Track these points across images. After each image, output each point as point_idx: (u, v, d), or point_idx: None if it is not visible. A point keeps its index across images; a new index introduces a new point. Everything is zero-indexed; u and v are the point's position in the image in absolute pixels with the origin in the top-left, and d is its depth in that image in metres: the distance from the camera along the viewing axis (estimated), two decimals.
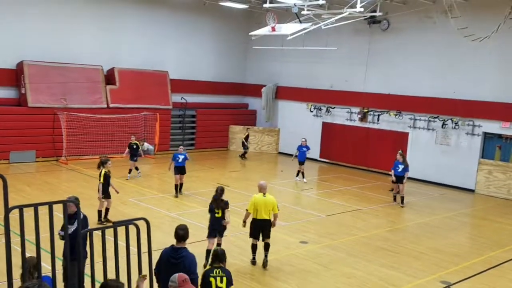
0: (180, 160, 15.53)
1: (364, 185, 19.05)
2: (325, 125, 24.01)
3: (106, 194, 12.16)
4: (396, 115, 21.14)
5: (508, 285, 9.74)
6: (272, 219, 9.75)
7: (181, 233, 6.00)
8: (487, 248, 12.03)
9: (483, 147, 18.98)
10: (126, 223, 4.91)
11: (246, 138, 24.06)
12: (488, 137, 18.91)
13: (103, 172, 12.08)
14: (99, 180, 12.06)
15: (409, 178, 20.68)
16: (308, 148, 19.10)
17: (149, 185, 17.01)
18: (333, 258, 10.64)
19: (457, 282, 9.67)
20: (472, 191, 18.92)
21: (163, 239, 11.03)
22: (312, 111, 24.34)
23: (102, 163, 12.25)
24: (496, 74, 18.30)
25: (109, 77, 22.08)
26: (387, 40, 21.47)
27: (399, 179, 15.83)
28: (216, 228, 9.65)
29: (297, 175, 19.05)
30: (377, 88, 21.85)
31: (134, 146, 18.00)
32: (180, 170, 15.51)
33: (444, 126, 19.66)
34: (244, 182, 18.35)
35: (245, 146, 23.80)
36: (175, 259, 5.81)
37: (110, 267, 5.01)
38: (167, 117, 23.53)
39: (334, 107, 23.50)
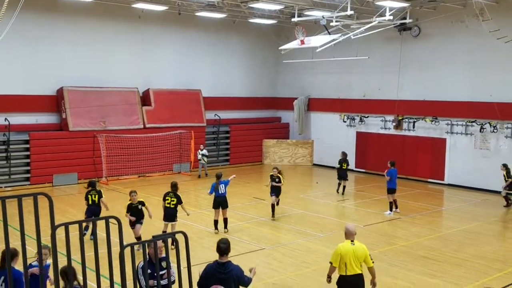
0: (221, 191, 12.97)
1: (402, 194, 18.68)
2: (359, 135, 23.82)
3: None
4: (432, 121, 20.78)
5: None
6: (368, 274, 7.45)
7: (224, 247, 6.03)
8: None
9: None
10: (166, 236, 5.08)
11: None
12: None
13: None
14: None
15: (450, 185, 20.33)
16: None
17: (186, 202, 17.26)
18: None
19: None
20: None
21: (203, 254, 11.23)
22: (345, 121, 24.22)
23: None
24: None
25: (145, 98, 22.71)
26: (418, 46, 21.23)
27: None
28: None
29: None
30: (411, 95, 21.57)
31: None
32: (220, 203, 12.99)
33: (482, 130, 19.18)
34: (280, 195, 18.35)
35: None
36: (224, 274, 5.88)
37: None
38: (202, 134, 23.91)
39: (368, 116, 23.31)
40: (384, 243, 12.44)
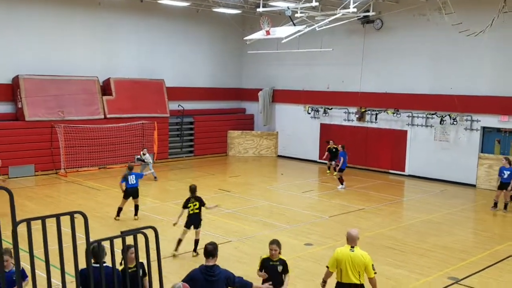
0: (131, 182, 13.18)
1: (365, 185, 19.02)
2: (323, 127, 24.01)
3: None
4: (394, 113, 21.16)
5: None
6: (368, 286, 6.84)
7: (211, 248, 5.78)
8: (493, 242, 12.01)
9: (482, 142, 19.00)
10: (135, 232, 4.87)
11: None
12: (487, 132, 18.94)
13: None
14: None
15: (411, 176, 20.81)
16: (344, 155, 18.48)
17: (150, 194, 16.94)
18: None
19: (465, 278, 9.64)
20: (473, 186, 18.92)
21: (168, 247, 11.00)
22: (309, 113, 24.34)
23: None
24: (492, 68, 18.35)
25: (105, 88, 22.03)
26: (381, 39, 21.51)
27: (505, 185, 14.83)
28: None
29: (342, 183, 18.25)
30: (373, 87, 21.87)
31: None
32: (131, 193, 13.25)
33: (442, 122, 19.68)
34: (245, 186, 18.31)
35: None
36: (213, 277, 5.63)
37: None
38: (165, 125, 23.48)
39: (332, 108, 23.50)
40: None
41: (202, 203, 10.70)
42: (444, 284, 9.32)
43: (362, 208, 15.32)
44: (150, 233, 4.96)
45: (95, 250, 5.27)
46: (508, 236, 12.59)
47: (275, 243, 6.89)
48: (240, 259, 10.52)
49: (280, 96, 25.72)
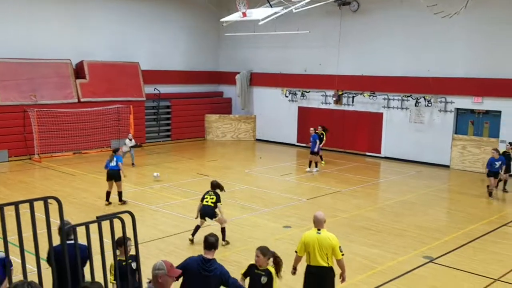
0: (112, 164, 13.18)
1: (342, 167, 19.21)
2: (301, 110, 24.06)
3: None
4: (370, 96, 21.32)
5: (489, 257, 9.98)
6: (338, 268, 6.74)
7: (212, 240, 5.53)
8: (467, 222, 12.31)
9: (456, 123, 19.35)
10: (111, 217, 4.79)
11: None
12: (460, 113, 19.28)
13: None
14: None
15: (386, 158, 21.08)
16: (317, 138, 18.16)
17: (128, 179, 16.74)
18: None
19: (439, 257, 9.87)
20: (447, 167, 19.31)
21: (147, 233, 10.94)
22: (287, 96, 24.33)
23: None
24: (466, 50, 18.59)
25: (79, 71, 21.55)
26: (357, 21, 21.54)
27: (496, 173, 14.80)
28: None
29: (310, 165, 18.24)
30: (350, 70, 21.95)
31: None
32: (112, 175, 13.13)
33: (417, 104, 19.93)
34: (223, 170, 18.27)
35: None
36: (207, 272, 5.38)
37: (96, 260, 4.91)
38: (141, 109, 23.15)
39: (309, 91, 23.53)
40: (326, 216, 12.60)
41: (218, 201, 10.41)
42: (419, 263, 9.53)
43: (339, 190, 15.48)
44: (127, 219, 4.89)
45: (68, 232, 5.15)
46: (481, 215, 12.92)
47: (259, 248, 6.12)
48: (220, 244, 10.51)
49: (258, 79, 25.60)
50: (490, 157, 14.97)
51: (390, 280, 8.71)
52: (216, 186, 10.69)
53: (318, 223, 6.75)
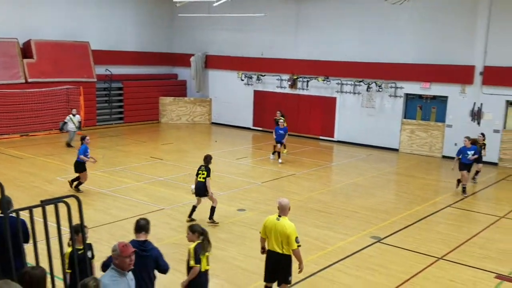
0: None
1: (297, 151, 19.45)
2: (256, 93, 24.09)
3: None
4: (324, 80, 21.60)
5: (433, 236, 10.45)
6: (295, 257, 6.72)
7: (143, 223, 5.62)
8: (413, 203, 12.81)
9: (405, 108, 19.96)
10: (55, 201, 4.66)
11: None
12: (409, 98, 19.89)
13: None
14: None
15: (339, 142, 21.52)
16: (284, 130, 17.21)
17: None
18: None
19: (386, 237, 10.25)
20: (396, 150, 19.95)
21: (96, 217, 10.73)
22: (243, 80, 24.27)
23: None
24: (415, 37, 19.11)
25: (26, 50, 20.60)
26: (313, 6, 21.65)
27: (469, 166, 13.53)
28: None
29: (278, 156, 17.20)
30: (305, 55, 22.11)
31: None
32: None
33: (368, 89, 20.39)
34: (178, 154, 18.11)
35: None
36: (145, 251, 5.49)
37: (41, 249, 4.77)
38: (92, 90, 22.49)
39: (265, 75, 23.57)
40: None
41: (208, 175, 10.47)
42: (367, 243, 9.86)
43: (293, 173, 15.69)
44: (73, 203, 4.77)
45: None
46: (426, 197, 13.47)
47: (188, 227, 6.40)
48: (173, 227, 10.48)
49: (213, 62, 25.36)
50: (462, 146, 13.67)
51: (340, 260, 8.97)
52: (205, 158, 10.72)
53: (280, 210, 6.74)
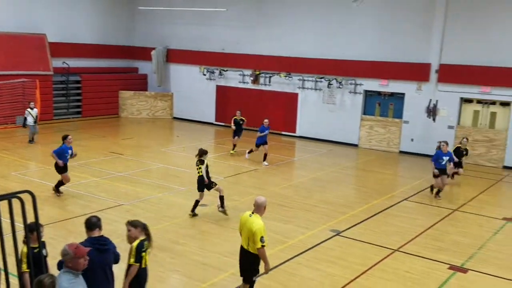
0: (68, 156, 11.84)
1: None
2: (219, 88, 24.00)
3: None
4: (286, 76, 21.76)
5: (390, 229, 10.77)
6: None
7: (95, 220, 5.46)
8: (371, 197, 13.13)
9: (364, 104, 20.39)
10: (9, 197, 4.51)
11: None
12: (368, 95, 20.33)
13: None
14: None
15: (301, 137, 21.75)
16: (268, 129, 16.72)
17: (32, 157, 15.81)
18: (232, 218, 10.88)
19: (345, 230, 10.47)
20: (356, 145, 20.37)
21: (53, 213, 10.45)
22: (205, 74, 24.12)
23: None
24: (374, 35, 19.52)
25: None
26: (275, 2, 21.74)
27: (444, 171, 13.01)
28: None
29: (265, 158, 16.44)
30: (268, 50, 22.18)
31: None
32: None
33: (329, 86, 20.70)
34: (138, 149, 17.84)
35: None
36: (105, 245, 5.38)
37: None
38: (48, 83, 21.82)
39: (227, 70, 23.51)
40: (244, 193, 12.93)
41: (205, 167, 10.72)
42: (327, 236, 10.05)
43: (255, 168, 15.76)
44: (27, 198, 4.63)
45: None
46: (384, 191, 13.83)
47: (128, 222, 5.97)
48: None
49: (175, 56, 25.08)
50: (437, 150, 13.08)
51: (300, 253, 9.11)
52: (199, 152, 10.92)
53: (255, 207, 6.72)
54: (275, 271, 8.34)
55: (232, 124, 17.70)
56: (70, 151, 11.72)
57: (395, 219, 11.45)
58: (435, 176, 12.85)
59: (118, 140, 19.65)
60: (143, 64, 26.08)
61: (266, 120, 16.87)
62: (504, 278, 8.45)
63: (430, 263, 8.96)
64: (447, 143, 13.04)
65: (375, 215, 11.61)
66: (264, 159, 16.31)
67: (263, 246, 6.48)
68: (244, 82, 23.16)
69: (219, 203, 10.88)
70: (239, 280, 7.90)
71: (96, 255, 5.13)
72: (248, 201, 12.08)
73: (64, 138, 11.81)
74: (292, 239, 9.81)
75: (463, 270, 8.71)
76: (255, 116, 22.45)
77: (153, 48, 24.98)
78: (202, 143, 19.82)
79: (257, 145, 16.61)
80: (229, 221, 10.70)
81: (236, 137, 17.66)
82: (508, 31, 16.92)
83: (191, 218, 10.74)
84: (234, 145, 17.60)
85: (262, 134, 16.49)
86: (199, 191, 10.84)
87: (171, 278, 8.10)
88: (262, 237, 6.46)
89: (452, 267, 8.79)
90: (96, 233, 5.45)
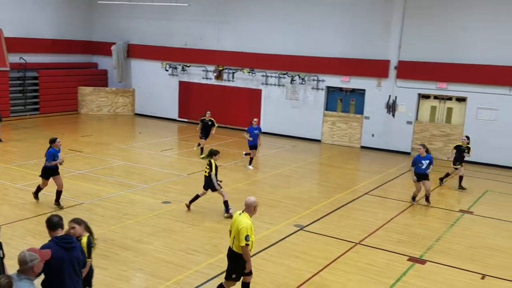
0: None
1: (223, 142, 19.47)
2: (181, 84, 23.77)
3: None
4: (249, 72, 21.78)
5: (352, 222, 10.98)
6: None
7: (56, 220, 5.28)
8: (334, 192, 13.35)
9: (326, 100, 20.67)
10: None
11: None
12: (330, 91, 20.61)
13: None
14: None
15: (265, 133, 21.83)
16: (259, 130, 15.78)
17: None
18: (196, 215, 10.85)
19: (308, 224, 10.62)
20: (319, 141, 20.64)
21: (11, 213, 10.12)
22: (167, 70, 23.83)
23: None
24: (336, 32, 19.78)
25: None
26: None
27: (424, 176, 12.16)
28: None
29: (250, 162, 15.58)
30: (231, 46, 22.13)
31: None
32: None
33: (292, 82, 20.86)
34: (99, 146, 17.46)
35: None
36: (70, 243, 5.22)
37: None
38: (4, 80, 21.09)
39: (190, 66, 23.30)
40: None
41: (211, 170, 10.74)
42: (291, 231, 10.16)
43: (219, 164, 15.53)
44: None
45: None
46: (346, 186, 14.09)
47: (72, 220, 5.87)
48: (93, 221, 10.11)
49: (136, 51, 24.65)
50: (417, 155, 12.42)
51: (264, 249, 9.17)
52: (210, 153, 10.94)
53: (245, 206, 6.75)
54: None
55: (200, 125, 16.58)
56: (59, 155, 10.78)
57: (357, 213, 11.69)
58: (417, 180, 12.13)
59: (77, 137, 19.17)
60: (103, 59, 25.50)
61: (255, 120, 15.70)
62: (460, 269, 8.78)
63: (390, 255, 9.21)
64: (424, 146, 12.19)
65: (337, 209, 11.81)
66: (250, 163, 15.44)
67: (247, 244, 6.51)
68: (207, 78, 23.03)
69: (225, 208, 10.87)
70: (204, 277, 7.91)
71: (63, 253, 5.08)
72: (210, 198, 12.06)
73: (53, 141, 10.81)
74: (257, 235, 9.75)
75: (422, 262, 9.00)
76: (219, 112, 22.40)
77: (113, 43, 24.46)
78: (165, 140, 19.67)
79: (250, 148, 15.44)
80: (192, 218, 10.66)
81: (203, 139, 16.54)
82: (464, 29, 17.50)
83: (153, 216, 10.62)
84: (202, 149, 16.34)
85: (249, 137, 15.23)
86: (204, 189, 10.95)
87: (135, 277, 8.00)
88: (247, 235, 6.49)
89: (411, 259, 9.07)
90: (59, 233, 5.31)
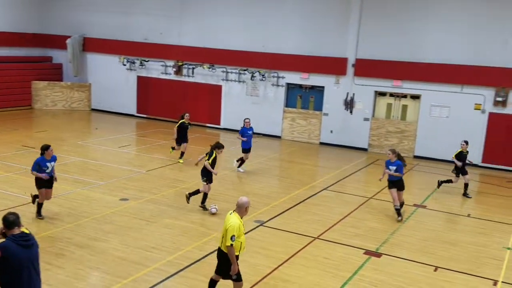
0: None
1: None
2: (140, 79, 23.36)
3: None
4: (209, 68, 21.65)
5: (311, 217, 11.15)
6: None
7: (13, 218, 5.12)
8: (293, 187, 13.50)
9: (286, 97, 20.84)
10: None
11: None
12: (290, 88, 20.80)
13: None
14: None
15: (225, 129, 21.79)
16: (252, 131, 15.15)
17: None
18: (155, 212, 10.72)
19: (268, 220, 10.70)
20: (279, 137, 20.80)
21: None
22: (125, 65, 23.35)
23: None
24: (296, 29, 19.96)
25: None
26: None
27: (395, 183, 11.33)
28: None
29: (240, 164, 14.96)
30: (191, 41, 21.92)
31: None
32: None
33: (252, 78, 20.91)
34: (54, 142, 16.81)
35: None
36: (29, 241, 5.13)
37: None
38: None
39: (148, 60, 22.93)
40: (166, 186, 12.76)
41: (208, 158, 10.99)
42: (251, 227, 10.19)
43: (178, 161, 15.56)
44: None
45: None
46: (305, 181, 14.28)
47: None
48: (47, 220, 9.83)
49: (92, 45, 24.02)
50: (386, 160, 11.48)
51: None
52: (216, 145, 11.11)
53: (236, 207, 6.65)
54: (199, 263, 8.36)
55: (176, 128, 15.43)
56: (49, 165, 9.68)
57: (316, 208, 11.87)
58: (389, 187, 11.39)
59: (31, 133, 18.52)
60: (58, 53, 24.71)
61: (247, 120, 14.93)
62: (414, 261, 9.08)
63: (347, 249, 9.41)
64: (394, 152, 11.25)
65: (296, 205, 11.95)
66: (240, 165, 14.89)
67: (231, 245, 6.46)
68: (166, 73, 22.74)
69: (202, 199, 11.09)
70: (162, 275, 7.84)
71: (21, 251, 5.00)
72: (168, 194, 11.97)
73: (45, 149, 9.73)
74: (216, 231, 9.83)
75: (377, 255, 9.24)
76: (179, 107, 22.20)
77: (69, 36, 23.75)
78: (122, 136, 19.31)
79: (244, 151, 14.85)
80: (150, 215, 10.52)
81: (184, 144, 15.49)
82: (419, 28, 18.03)
83: (110, 213, 10.41)
84: (182, 153, 15.50)
85: (243, 138, 14.66)
86: (207, 183, 11.02)
87: (91, 275, 7.83)
88: (233, 235, 6.43)
89: (367, 252, 9.30)
90: (16, 231, 5.16)
